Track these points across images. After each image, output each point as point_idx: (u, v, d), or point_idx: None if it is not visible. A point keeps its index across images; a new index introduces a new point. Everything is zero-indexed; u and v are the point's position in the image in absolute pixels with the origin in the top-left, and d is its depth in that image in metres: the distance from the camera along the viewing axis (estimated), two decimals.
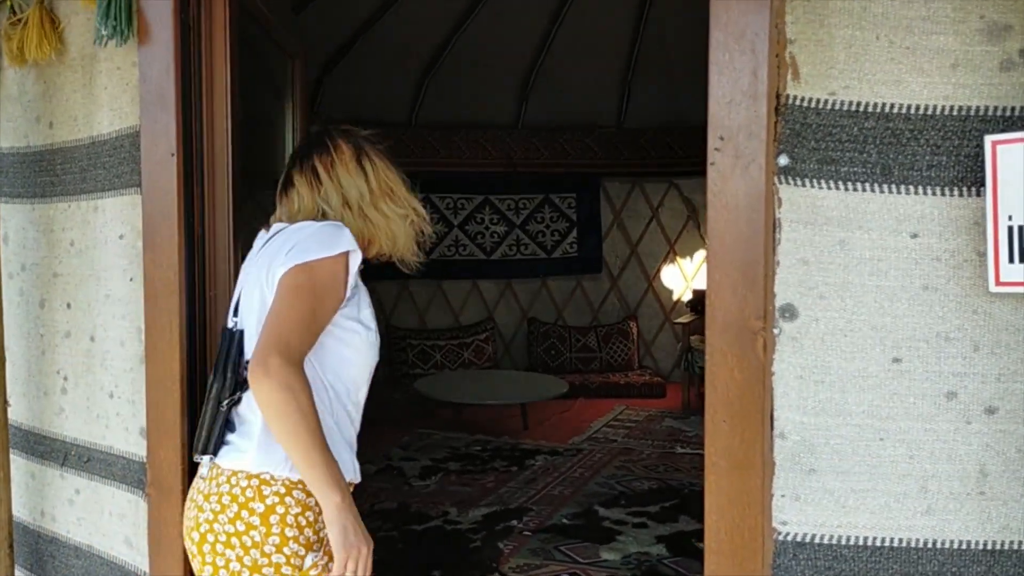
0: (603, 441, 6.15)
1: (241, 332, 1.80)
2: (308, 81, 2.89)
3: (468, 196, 7.92)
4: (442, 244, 7.87)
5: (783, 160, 1.67)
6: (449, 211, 7.87)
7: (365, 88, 7.20)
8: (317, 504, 1.67)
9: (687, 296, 7.83)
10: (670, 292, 8.09)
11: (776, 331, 1.69)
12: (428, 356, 7.58)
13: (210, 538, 1.70)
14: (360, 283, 1.84)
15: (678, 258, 8.02)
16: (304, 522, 1.70)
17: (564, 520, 4.53)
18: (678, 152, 7.83)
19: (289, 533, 1.67)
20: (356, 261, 1.77)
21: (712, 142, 1.66)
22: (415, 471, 5.33)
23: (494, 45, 7.21)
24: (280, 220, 1.90)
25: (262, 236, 1.91)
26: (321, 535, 1.71)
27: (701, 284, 7.76)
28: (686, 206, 7.97)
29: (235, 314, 1.85)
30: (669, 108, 7.83)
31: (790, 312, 1.68)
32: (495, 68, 7.37)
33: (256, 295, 1.79)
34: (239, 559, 1.68)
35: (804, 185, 1.66)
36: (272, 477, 1.71)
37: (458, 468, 5.42)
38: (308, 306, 1.68)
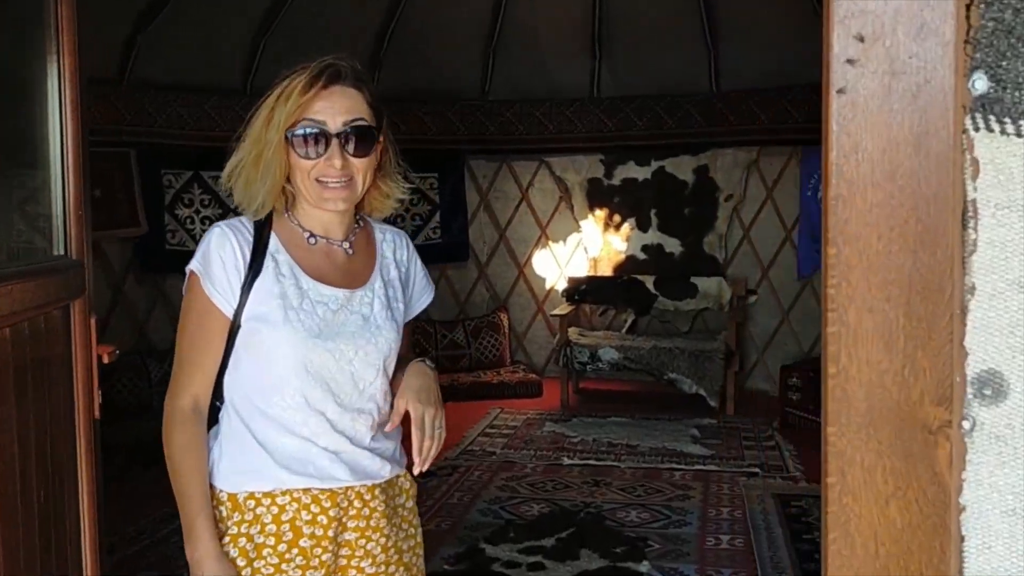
0: (480, 454, 5.41)
1: None
2: (88, 28, 1.90)
3: None
4: None
5: (980, 83, 0.87)
6: None
7: (192, 51, 6.12)
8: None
9: (561, 284, 7.19)
10: (543, 280, 7.44)
11: (966, 425, 0.91)
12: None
13: None
14: (276, 265, 1.66)
15: (550, 243, 7.37)
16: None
17: (446, 567, 3.77)
18: (548, 127, 7.17)
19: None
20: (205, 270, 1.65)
21: (839, 48, 0.88)
22: None
23: (336, 5, 6.30)
24: None
25: None
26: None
27: (576, 271, 7.14)
28: (558, 186, 7.32)
29: None
30: (536, 78, 7.15)
31: (994, 387, 0.92)
32: (341, 31, 6.45)
33: None
34: None
35: (1021, 133, 0.89)
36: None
37: None
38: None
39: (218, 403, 1.71)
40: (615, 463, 5.19)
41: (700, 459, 5.27)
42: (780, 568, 3.77)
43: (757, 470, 5.03)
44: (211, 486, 1.66)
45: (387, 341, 1.72)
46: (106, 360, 1.94)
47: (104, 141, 5.84)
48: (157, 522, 4.19)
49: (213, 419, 1.71)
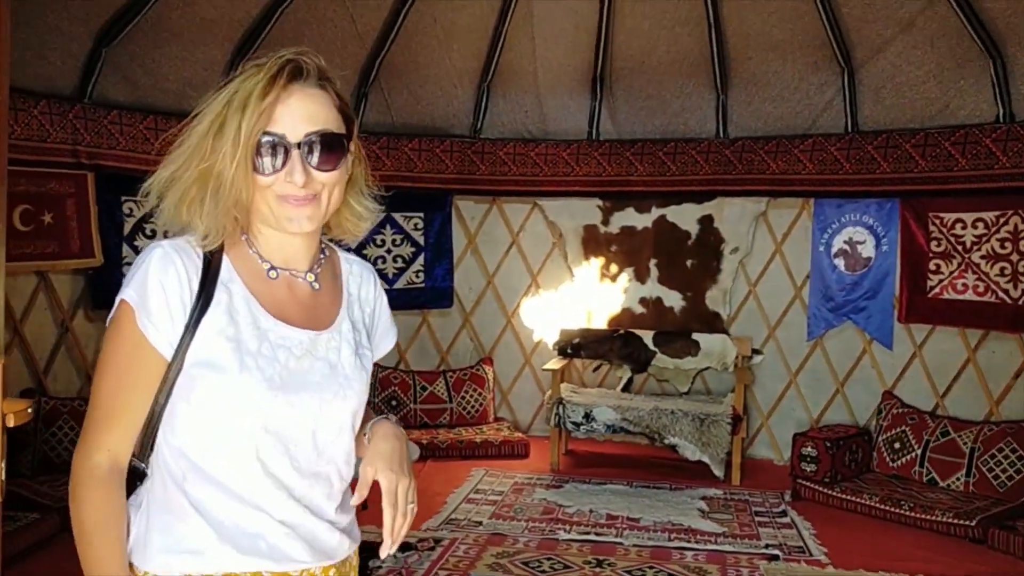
0: (466, 524, 4.82)
1: None
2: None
3: None
4: None
5: None
6: None
7: (162, 69, 5.61)
8: None
9: (552, 336, 6.67)
10: (531, 331, 6.92)
11: None
12: None
13: None
14: (229, 299, 1.37)
15: (541, 291, 6.87)
16: None
17: None
18: (543, 168, 6.72)
19: None
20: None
21: None
22: None
23: (319, 28, 5.85)
24: None
25: None
26: None
27: (569, 323, 6.63)
28: (551, 231, 6.85)
29: None
30: (532, 117, 6.73)
31: None
32: (324, 55, 5.98)
33: None
34: None
35: None
36: None
37: None
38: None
39: (140, 464, 1.39)
40: (618, 540, 4.63)
41: (711, 537, 4.73)
42: None
43: (778, 552, 4.50)
44: (131, 567, 1.37)
45: (356, 394, 1.46)
46: (11, 423, 1.39)
47: (60, 162, 5.29)
48: None
49: (131, 484, 1.39)
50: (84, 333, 5.56)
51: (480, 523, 4.85)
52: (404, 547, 4.38)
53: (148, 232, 5.80)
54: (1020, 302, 5.22)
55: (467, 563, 4.22)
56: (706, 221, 6.47)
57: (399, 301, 6.69)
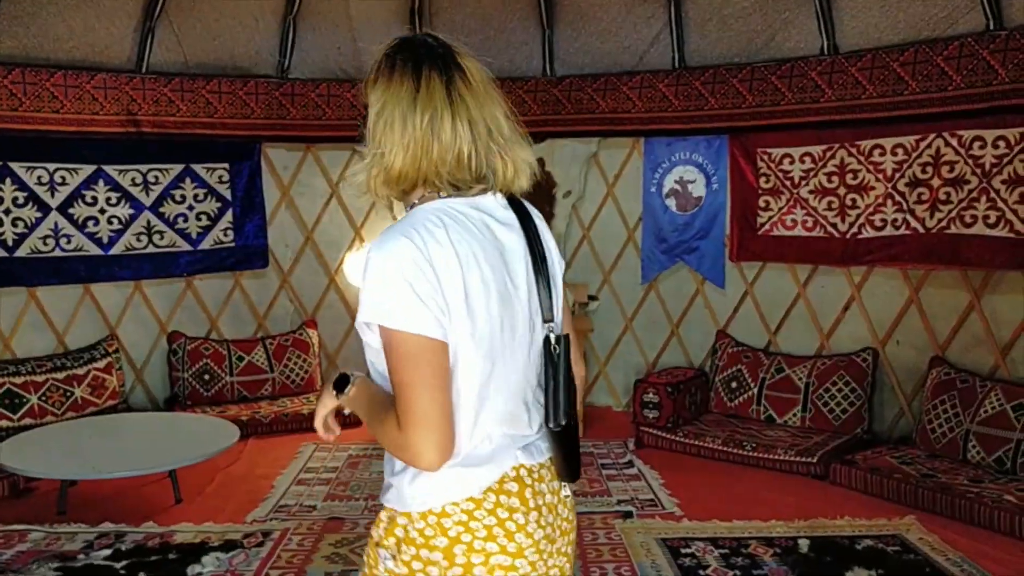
0: (298, 511, 4.36)
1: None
2: None
3: (72, 166, 5.56)
4: (33, 235, 5.44)
5: None
6: (43, 188, 5.46)
7: None
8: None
9: None
10: (356, 289, 6.42)
11: None
12: (19, 400, 5.17)
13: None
14: None
15: (365, 245, 6.37)
16: None
17: None
18: (360, 110, 6.16)
19: None
20: None
21: None
22: None
23: None
24: (475, 167, 1.50)
25: (491, 208, 1.54)
26: None
27: None
28: None
29: (548, 317, 1.55)
30: (345, 53, 6.15)
31: None
32: None
33: (558, 286, 1.61)
34: None
35: None
36: None
37: None
38: None
39: None
40: None
41: None
42: None
43: (631, 509, 4.33)
44: None
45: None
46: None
47: None
48: None
49: None
50: None
51: (314, 507, 4.40)
52: (229, 546, 3.87)
53: None
54: (848, 236, 5.27)
55: (302, 556, 3.78)
56: (537, 164, 6.15)
57: (206, 263, 6.01)
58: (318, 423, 1.65)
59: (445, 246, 1.42)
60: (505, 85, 5.67)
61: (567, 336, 1.57)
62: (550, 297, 1.55)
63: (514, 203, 1.59)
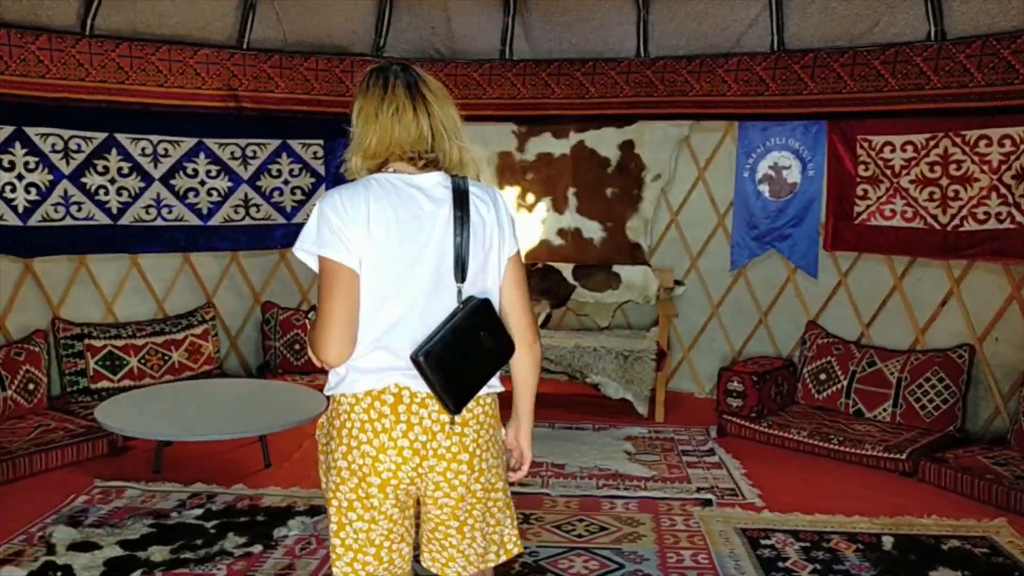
0: None
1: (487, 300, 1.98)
2: None
3: (175, 139, 5.76)
4: (136, 204, 5.67)
5: None
6: (147, 159, 5.68)
7: None
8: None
9: None
10: None
11: None
12: (119, 362, 5.42)
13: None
14: None
15: None
16: None
17: None
18: (452, 91, 6.20)
19: None
20: None
21: None
22: (93, 574, 3.33)
23: None
24: (428, 148, 1.96)
25: (424, 185, 1.96)
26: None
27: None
28: None
29: (462, 274, 1.93)
30: (439, 34, 6.19)
31: None
32: None
33: (491, 265, 2.00)
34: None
35: None
36: None
37: (167, 557, 3.49)
38: None
39: None
40: (544, 490, 4.34)
41: (641, 482, 4.49)
42: None
43: (710, 496, 4.28)
44: None
45: None
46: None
47: None
48: None
49: None
50: None
51: None
52: (313, 511, 3.99)
53: (5, 164, 5.10)
54: (949, 228, 5.07)
55: None
56: (627, 147, 6.11)
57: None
58: (310, 351, 2.04)
59: (359, 197, 1.89)
60: (597, 66, 5.67)
61: (482, 300, 1.96)
62: (465, 261, 1.93)
63: (457, 182, 1.98)
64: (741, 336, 6.12)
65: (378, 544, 1.97)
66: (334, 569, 2.00)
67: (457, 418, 1.95)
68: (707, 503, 4.20)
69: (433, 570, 2.09)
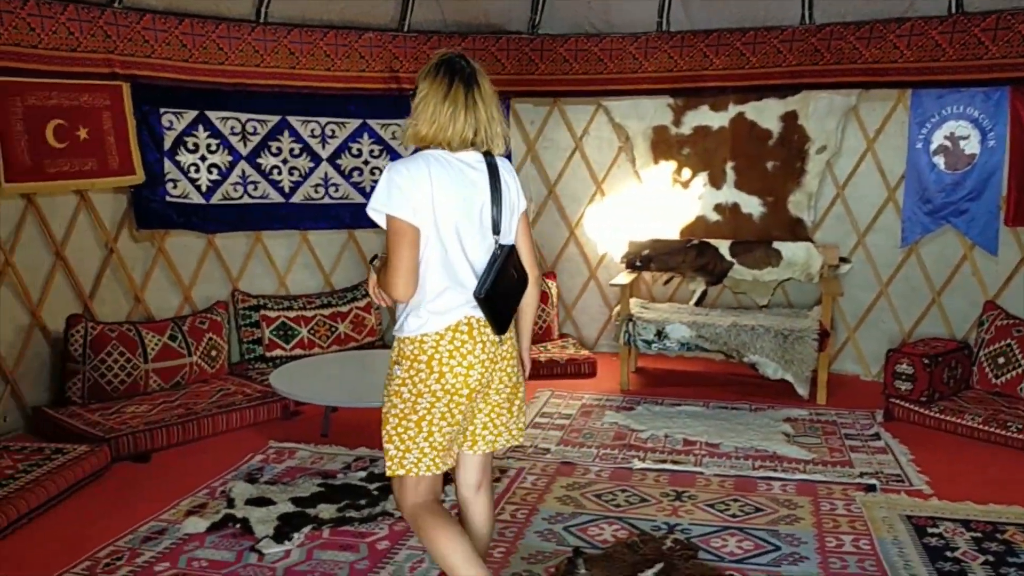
0: (532, 452, 4.54)
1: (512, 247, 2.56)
2: None
3: (341, 120, 6.02)
4: (306, 184, 5.97)
5: None
6: (315, 140, 5.97)
7: None
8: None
9: (618, 248, 6.26)
10: (595, 243, 6.50)
11: None
12: (291, 332, 5.75)
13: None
14: None
15: (606, 199, 6.41)
16: None
17: None
18: (608, 65, 6.17)
19: None
20: None
21: None
22: (267, 527, 3.57)
23: None
24: (470, 140, 2.47)
25: (469, 160, 2.48)
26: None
27: (637, 234, 6.20)
28: (617, 134, 6.36)
29: (496, 231, 2.50)
30: (594, 9, 6.14)
31: None
32: None
33: (514, 221, 2.58)
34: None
35: None
36: None
37: (333, 515, 3.70)
38: None
39: None
40: (698, 468, 4.30)
41: (799, 464, 4.36)
42: None
43: (874, 482, 4.11)
44: None
45: None
46: None
47: (92, 73, 4.97)
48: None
49: None
50: (130, 255, 5.33)
51: (547, 450, 4.56)
52: None
53: (190, 146, 5.49)
54: None
55: (536, 495, 3.94)
56: (789, 118, 5.89)
57: None
58: (372, 291, 2.59)
59: (423, 170, 2.38)
60: (758, 35, 5.48)
61: (511, 246, 2.54)
62: (499, 220, 2.49)
63: (490, 159, 2.50)
64: (912, 316, 5.81)
65: (447, 447, 2.54)
66: (419, 466, 2.51)
67: (503, 336, 2.54)
68: (870, 488, 4.04)
69: (486, 450, 2.66)
